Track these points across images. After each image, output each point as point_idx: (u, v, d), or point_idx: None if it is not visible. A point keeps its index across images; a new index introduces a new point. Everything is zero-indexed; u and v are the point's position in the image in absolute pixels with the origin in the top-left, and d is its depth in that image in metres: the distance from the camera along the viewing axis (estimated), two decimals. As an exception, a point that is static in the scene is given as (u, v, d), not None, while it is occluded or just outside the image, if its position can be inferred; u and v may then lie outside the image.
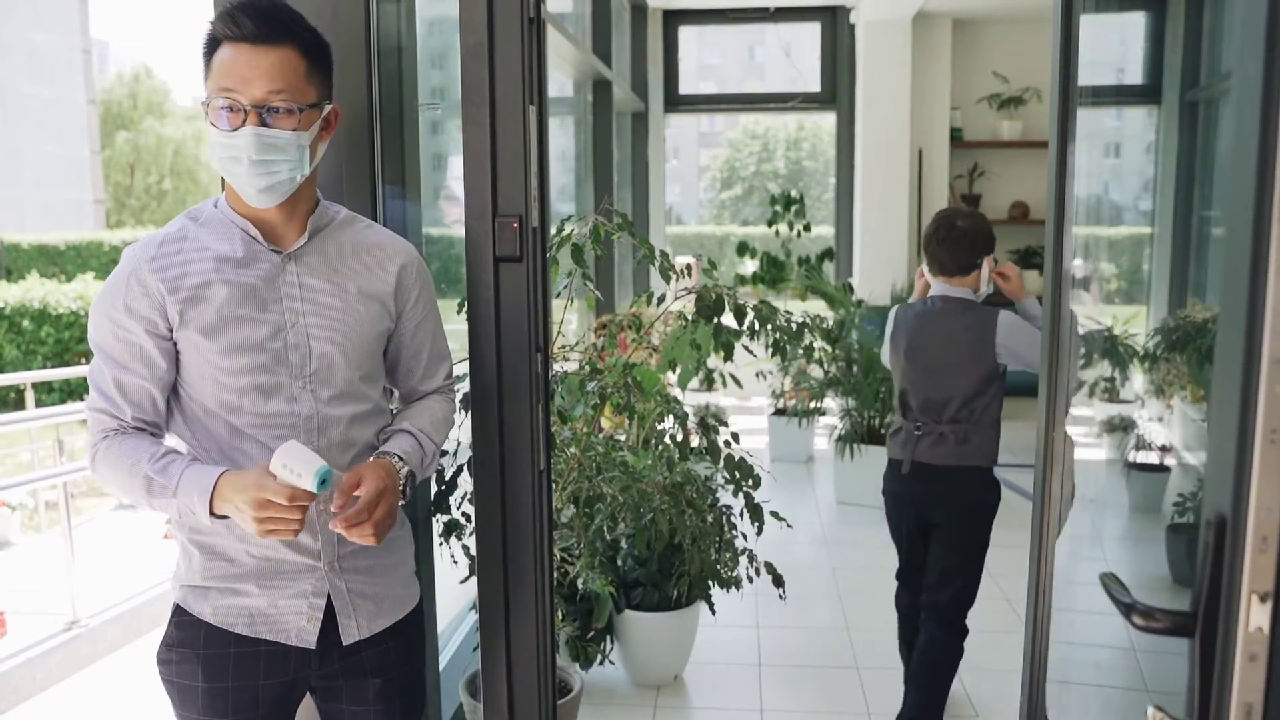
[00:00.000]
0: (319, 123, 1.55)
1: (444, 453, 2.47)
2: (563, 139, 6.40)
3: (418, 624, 1.79)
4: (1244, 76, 0.87)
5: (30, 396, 6.90)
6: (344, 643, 1.63)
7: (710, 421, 3.07)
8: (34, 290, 11.14)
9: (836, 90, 8.22)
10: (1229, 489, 0.87)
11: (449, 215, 4.23)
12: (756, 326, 2.90)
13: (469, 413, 1.90)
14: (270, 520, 1.41)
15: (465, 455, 2.28)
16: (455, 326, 1.96)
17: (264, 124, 1.48)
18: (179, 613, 1.61)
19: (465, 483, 2.45)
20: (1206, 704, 0.90)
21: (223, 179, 1.65)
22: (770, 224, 6.83)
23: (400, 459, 1.62)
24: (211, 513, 1.46)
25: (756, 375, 5.45)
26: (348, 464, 1.61)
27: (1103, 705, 2.72)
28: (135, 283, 1.52)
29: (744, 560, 3.08)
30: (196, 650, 1.59)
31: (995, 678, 3.36)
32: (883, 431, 5.31)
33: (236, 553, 1.58)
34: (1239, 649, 0.87)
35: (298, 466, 1.39)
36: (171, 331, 1.53)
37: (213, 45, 1.50)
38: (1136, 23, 5.78)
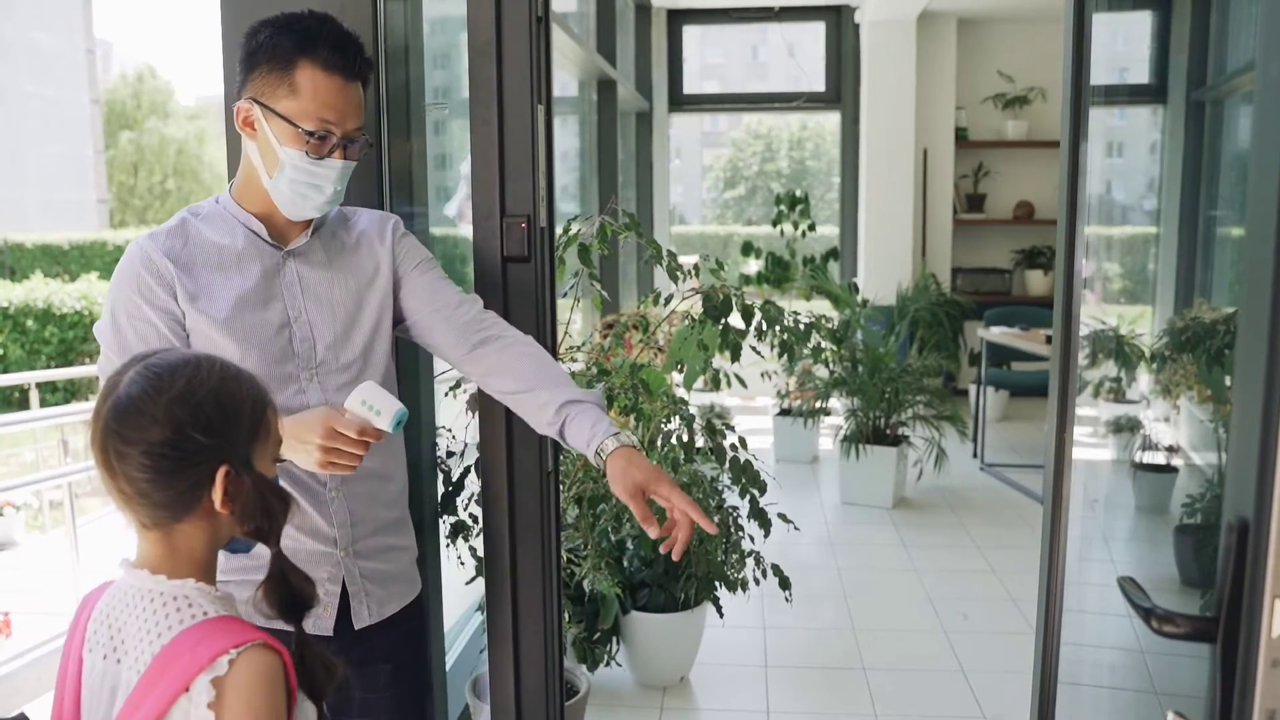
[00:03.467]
0: None
1: (451, 454, 2.46)
2: (567, 138, 6.40)
3: (422, 610, 1.81)
4: (1267, 75, 0.86)
5: (34, 396, 6.92)
6: (356, 627, 1.64)
7: (716, 424, 3.06)
8: (38, 290, 11.14)
9: (841, 90, 8.21)
10: (1251, 493, 0.86)
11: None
12: (764, 327, 2.89)
13: (476, 414, 1.89)
14: (335, 452, 1.44)
15: (473, 456, 2.27)
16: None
17: (345, 156, 1.54)
18: None
19: (472, 484, 2.45)
20: (1228, 710, 0.89)
21: (229, 178, 1.65)
22: (774, 224, 6.82)
23: (629, 436, 1.55)
24: None
25: (761, 375, 5.44)
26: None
27: (1111, 707, 2.71)
28: (148, 273, 1.52)
29: (750, 562, 3.08)
30: None
31: (1003, 679, 3.35)
32: (887, 432, 5.30)
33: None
34: (1261, 654, 0.86)
35: (379, 404, 1.45)
36: (185, 319, 1.53)
37: (292, 61, 1.49)
38: (1142, 22, 5.76)
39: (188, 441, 1.07)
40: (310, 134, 1.50)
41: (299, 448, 1.46)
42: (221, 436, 1.09)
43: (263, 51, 1.50)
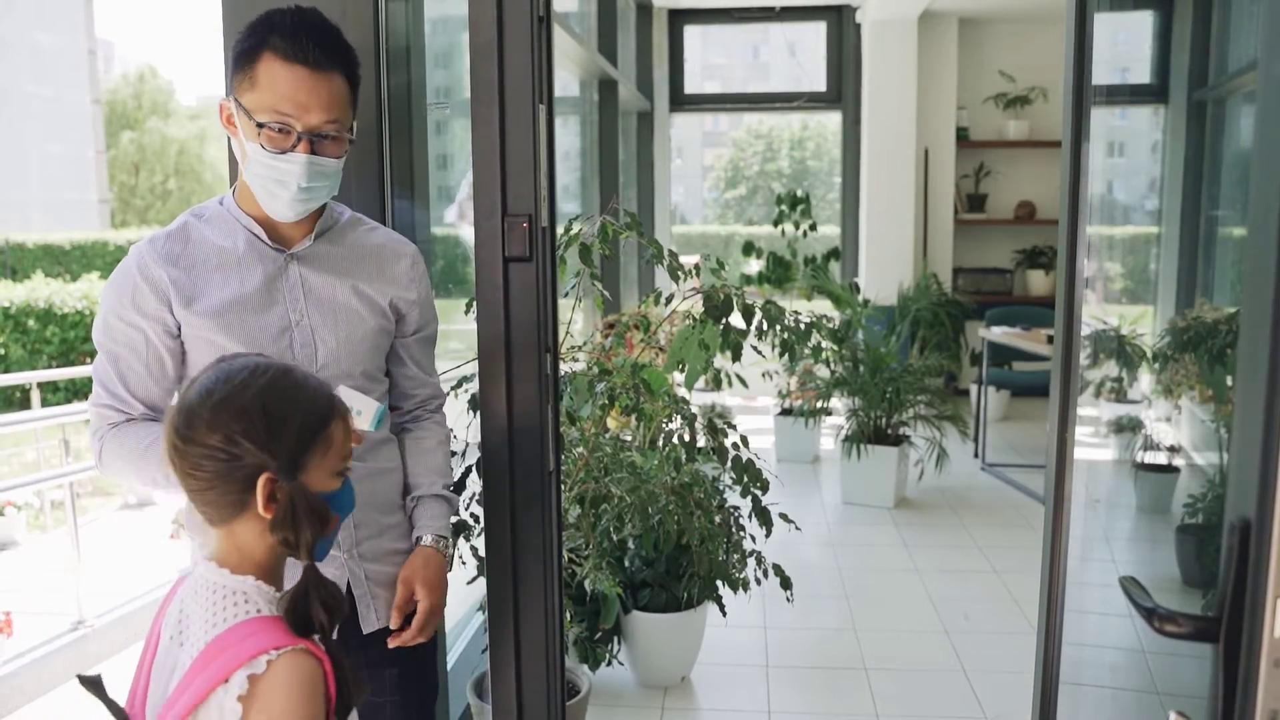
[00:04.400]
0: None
1: (453, 454, 2.46)
2: (568, 138, 6.40)
3: None
4: (1269, 74, 0.86)
5: (36, 396, 6.91)
6: (363, 631, 1.64)
7: (718, 423, 3.06)
8: (39, 290, 11.14)
9: (842, 90, 8.21)
10: (1253, 493, 0.86)
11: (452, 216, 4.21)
12: (765, 326, 2.89)
13: (477, 413, 1.89)
14: None
15: (474, 456, 2.27)
16: (463, 326, 1.95)
17: (313, 151, 1.49)
18: None
19: (473, 483, 2.45)
20: (1230, 710, 0.89)
21: (231, 179, 1.65)
22: (776, 224, 6.82)
23: (445, 540, 1.69)
24: None
25: (763, 375, 5.44)
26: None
27: (1113, 707, 2.70)
28: (143, 280, 1.51)
29: (752, 561, 3.07)
30: None
31: (1004, 680, 3.35)
32: (889, 432, 5.30)
33: None
34: (1263, 654, 0.86)
35: (358, 404, 1.46)
36: (179, 329, 1.52)
37: (255, 54, 1.46)
38: (1143, 21, 5.76)
39: (233, 446, 1.11)
40: (261, 126, 1.46)
41: None
42: (265, 444, 1.11)
43: (236, 47, 1.49)
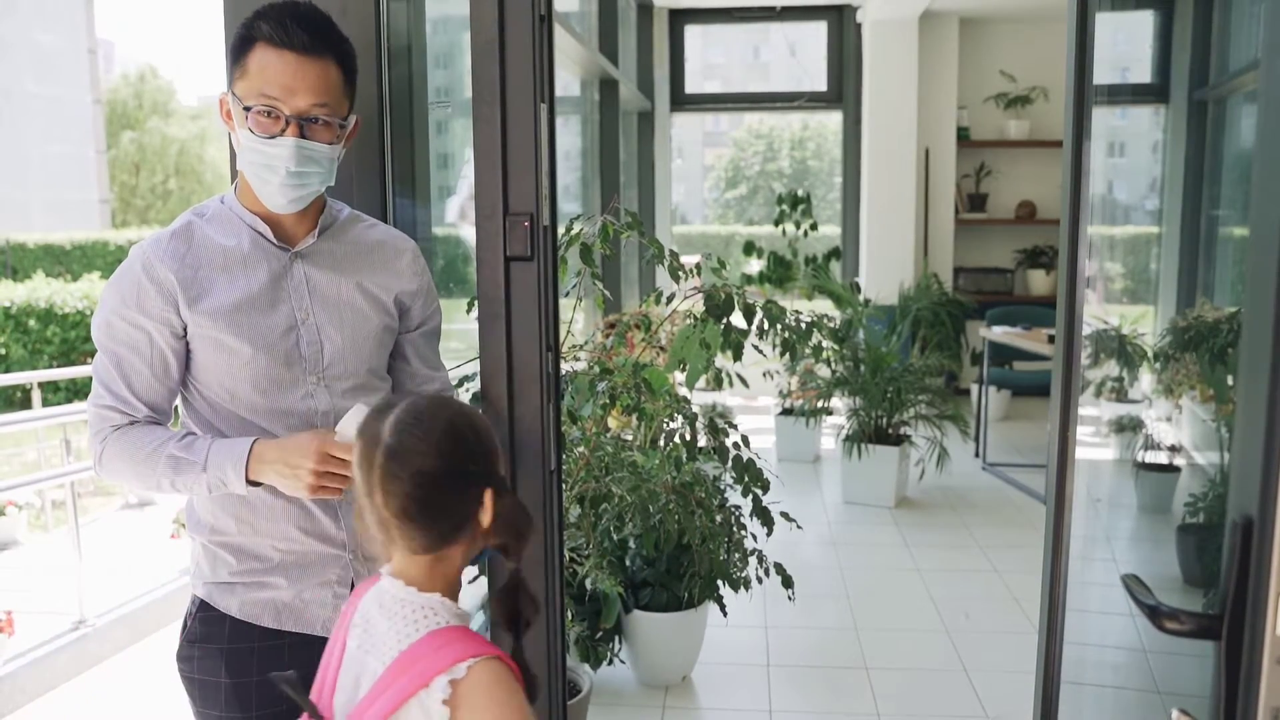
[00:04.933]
0: (346, 134, 1.57)
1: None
2: (569, 138, 6.40)
3: None
4: (1270, 74, 0.86)
5: (37, 396, 6.91)
6: None
7: (719, 423, 3.07)
8: (40, 290, 11.13)
9: (843, 89, 8.21)
10: (1255, 491, 0.86)
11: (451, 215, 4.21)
12: (765, 326, 2.90)
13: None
14: (328, 476, 1.46)
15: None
16: (464, 325, 1.95)
17: (302, 135, 1.49)
18: (203, 608, 1.61)
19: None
20: (1232, 707, 0.89)
21: (232, 178, 1.65)
22: (776, 223, 6.83)
23: None
24: (247, 480, 1.48)
25: (763, 375, 5.44)
26: None
27: (1114, 706, 2.70)
28: (147, 280, 1.51)
29: (753, 561, 3.08)
30: (220, 645, 1.59)
31: (1005, 679, 3.35)
32: (889, 432, 5.30)
33: (263, 549, 1.59)
34: (1266, 652, 0.86)
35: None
36: (185, 330, 1.52)
37: (248, 44, 1.48)
38: (1144, 21, 5.75)
39: (459, 468, 1.18)
40: (248, 109, 1.47)
41: (287, 473, 1.46)
42: (484, 463, 1.21)
43: (231, 41, 1.51)
